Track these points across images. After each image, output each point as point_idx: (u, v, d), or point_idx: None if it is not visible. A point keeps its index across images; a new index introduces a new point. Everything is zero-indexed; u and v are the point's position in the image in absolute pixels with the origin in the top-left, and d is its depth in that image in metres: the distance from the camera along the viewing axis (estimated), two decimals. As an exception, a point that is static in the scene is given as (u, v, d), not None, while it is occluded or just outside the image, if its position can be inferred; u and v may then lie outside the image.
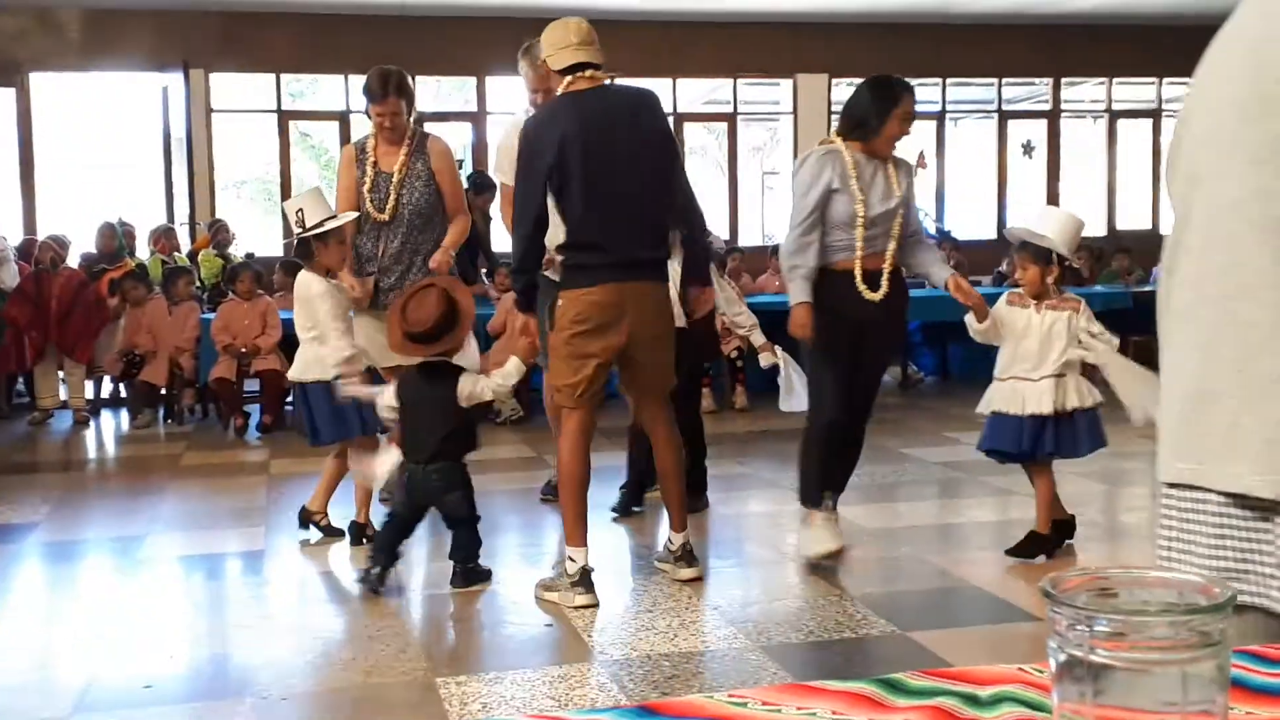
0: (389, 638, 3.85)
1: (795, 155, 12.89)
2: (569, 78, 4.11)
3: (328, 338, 4.78)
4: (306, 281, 4.86)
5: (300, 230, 4.81)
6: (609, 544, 5.02)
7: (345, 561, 4.82)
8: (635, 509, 5.43)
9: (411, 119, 5.18)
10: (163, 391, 8.57)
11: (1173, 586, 0.87)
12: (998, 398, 4.54)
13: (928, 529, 5.15)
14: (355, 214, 5.02)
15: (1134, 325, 7.65)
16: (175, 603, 4.48)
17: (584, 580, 4.09)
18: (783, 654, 3.60)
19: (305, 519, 5.12)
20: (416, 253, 5.10)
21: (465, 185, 6.20)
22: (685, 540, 4.41)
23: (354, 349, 4.84)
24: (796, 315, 4.34)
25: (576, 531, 4.14)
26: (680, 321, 4.66)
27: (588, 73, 4.11)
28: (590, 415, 4.22)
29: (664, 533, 5.27)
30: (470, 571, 4.36)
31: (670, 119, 4.61)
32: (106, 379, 9.04)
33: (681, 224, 4.60)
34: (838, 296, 4.35)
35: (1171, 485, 1.54)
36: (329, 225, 4.82)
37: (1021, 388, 4.47)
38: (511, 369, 4.36)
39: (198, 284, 9.40)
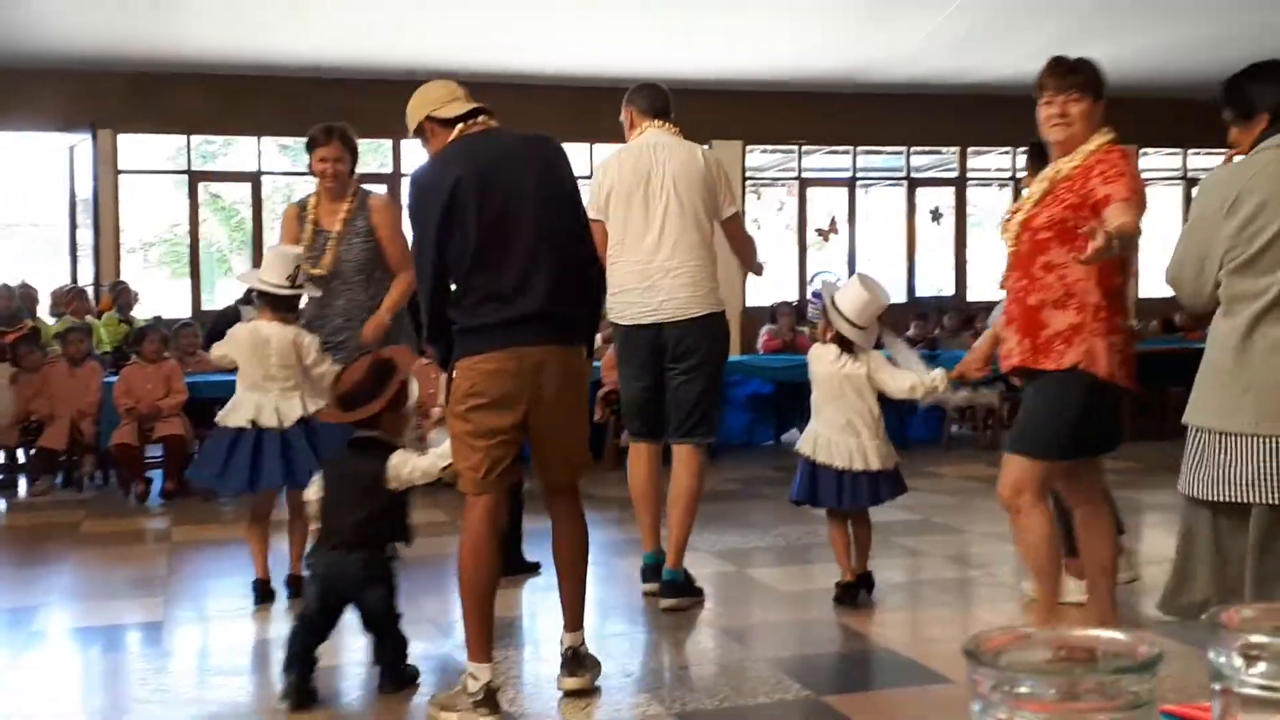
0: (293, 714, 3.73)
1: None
2: (460, 125, 3.73)
3: (321, 375, 4.70)
4: (282, 330, 4.78)
5: (289, 285, 4.81)
6: (519, 608, 4.95)
7: (247, 632, 4.69)
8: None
9: (353, 178, 5.25)
10: (62, 457, 8.31)
11: (1098, 645, 0.84)
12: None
13: (841, 591, 5.15)
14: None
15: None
16: (70, 676, 4.31)
17: (488, 700, 3.54)
18: (697, 720, 3.56)
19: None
20: (364, 310, 5.11)
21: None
22: (578, 642, 3.83)
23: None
24: None
25: (479, 645, 3.58)
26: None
27: (480, 119, 3.76)
28: (496, 503, 3.68)
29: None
30: (400, 673, 3.88)
31: (582, 182, 4.28)
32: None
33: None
34: None
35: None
36: (309, 277, 4.84)
37: None
38: (446, 448, 3.76)
39: (102, 347, 9.16)
